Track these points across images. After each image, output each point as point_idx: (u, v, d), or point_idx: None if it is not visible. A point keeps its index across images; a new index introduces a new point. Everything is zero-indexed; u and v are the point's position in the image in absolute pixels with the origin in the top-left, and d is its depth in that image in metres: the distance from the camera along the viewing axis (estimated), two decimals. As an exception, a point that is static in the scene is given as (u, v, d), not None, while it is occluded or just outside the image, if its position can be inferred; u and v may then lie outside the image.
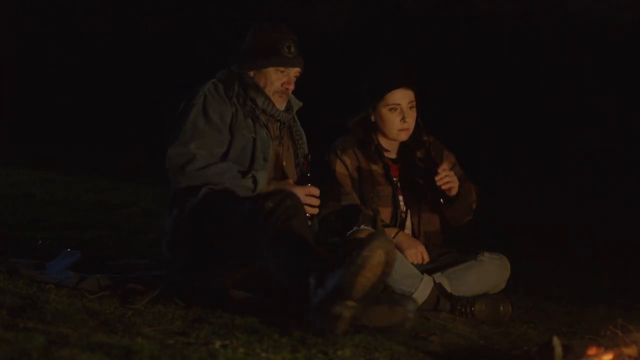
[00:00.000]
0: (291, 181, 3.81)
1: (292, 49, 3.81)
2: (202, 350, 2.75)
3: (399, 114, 4.11)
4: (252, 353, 2.77)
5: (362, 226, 3.90)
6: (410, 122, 4.14)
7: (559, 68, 9.84)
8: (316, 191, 3.71)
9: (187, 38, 11.69)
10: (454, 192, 4.11)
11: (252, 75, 3.84)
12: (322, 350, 2.87)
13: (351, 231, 3.89)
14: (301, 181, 3.79)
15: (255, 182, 3.65)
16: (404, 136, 4.16)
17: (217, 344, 2.85)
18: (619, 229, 7.27)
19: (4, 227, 5.53)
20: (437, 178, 4.07)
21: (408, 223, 4.19)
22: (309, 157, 3.81)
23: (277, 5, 11.14)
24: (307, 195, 3.68)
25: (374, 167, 4.17)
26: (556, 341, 2.83)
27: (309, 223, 3.70)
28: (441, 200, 4.13)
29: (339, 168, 4.14)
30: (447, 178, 4.07)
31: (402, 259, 3.94)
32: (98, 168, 9.49)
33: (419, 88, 4.17)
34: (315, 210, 3.73)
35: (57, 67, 12.21)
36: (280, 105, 3.87)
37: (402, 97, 4.11)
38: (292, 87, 3.86)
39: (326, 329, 3.02)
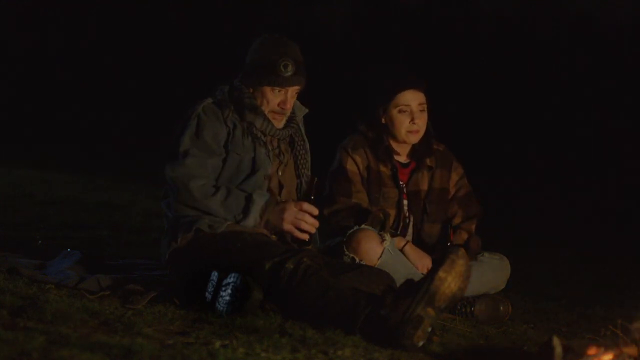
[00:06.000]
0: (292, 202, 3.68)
1: (290, 68, 3.70)
2: (202, 350, 2.75)
3: (408, 116, 4.06)
4: (252, 353, 2.78)
5: (362, 225, 3.89)
6: (420, 123, 4.08)
7: (558, 68, 9.84)
8: (314, 210, 3.63)
9: (186, 38, 11.69)
10: None
11: (251, 91, 3.77)
12: (322, 350, 2.88)
13: (351, 230, 3.89)
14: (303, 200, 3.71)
15: (251, 201, 3.59)
16: (413, 138, 4.09)
17: (217, 344, 2.85)
18: (620, 228, 7.27)
19: (4, 227, 5.53)
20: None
21: (410, 229, 4.16)
22: (316, 180, 3.72)
23: (276, 4, 11.14)
24: (301, 210, 3.61)
25: (382, 169, 4.11)
26: (556, 341, 2.84)
27: (309, 241, 3.66)
28: None
29: (350, 166, 4.08)
30: None
31: (405, 261, 3.94)
32: (98, 168, 9.48)
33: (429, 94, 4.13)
34: (313, 229, 3.64)
35: (57, 67, 12.20)
36: (278, 123, 3.80)
37: (412, 98, 4.07)
38: (288, 106, 3.77)
39: (404, 334, 3.03)
